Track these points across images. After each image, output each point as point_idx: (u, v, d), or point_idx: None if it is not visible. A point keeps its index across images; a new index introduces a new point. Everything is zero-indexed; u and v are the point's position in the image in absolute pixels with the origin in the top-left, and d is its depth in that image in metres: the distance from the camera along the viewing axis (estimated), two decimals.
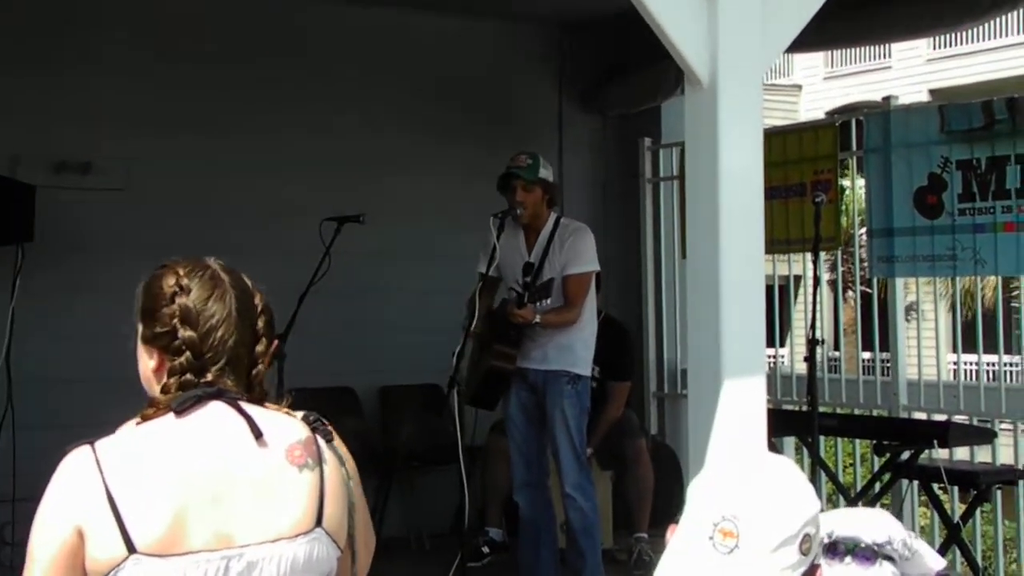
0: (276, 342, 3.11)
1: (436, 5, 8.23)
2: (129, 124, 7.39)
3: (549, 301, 6.14)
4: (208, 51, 7.66)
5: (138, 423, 2.23)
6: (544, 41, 8.95)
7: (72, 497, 2.14)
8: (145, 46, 7.50)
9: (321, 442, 2.28)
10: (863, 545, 2.33)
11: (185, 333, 2.26)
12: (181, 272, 2.31)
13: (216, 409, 2.24)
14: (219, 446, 2.20)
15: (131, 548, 2.09)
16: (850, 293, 15.69)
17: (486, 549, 7.36)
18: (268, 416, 2.27)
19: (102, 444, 2.18)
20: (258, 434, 2.20)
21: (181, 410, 2.21)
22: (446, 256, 7.68)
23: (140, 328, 2.32)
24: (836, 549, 2.33)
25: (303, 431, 2.28)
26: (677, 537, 2.06)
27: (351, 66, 8.17)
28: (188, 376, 2.25)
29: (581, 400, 6.25)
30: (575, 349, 6.26)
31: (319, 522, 2.21)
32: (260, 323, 2.35)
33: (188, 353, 2.25)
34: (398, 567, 6.41)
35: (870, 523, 2.38)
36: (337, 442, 2.32)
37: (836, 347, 13.93)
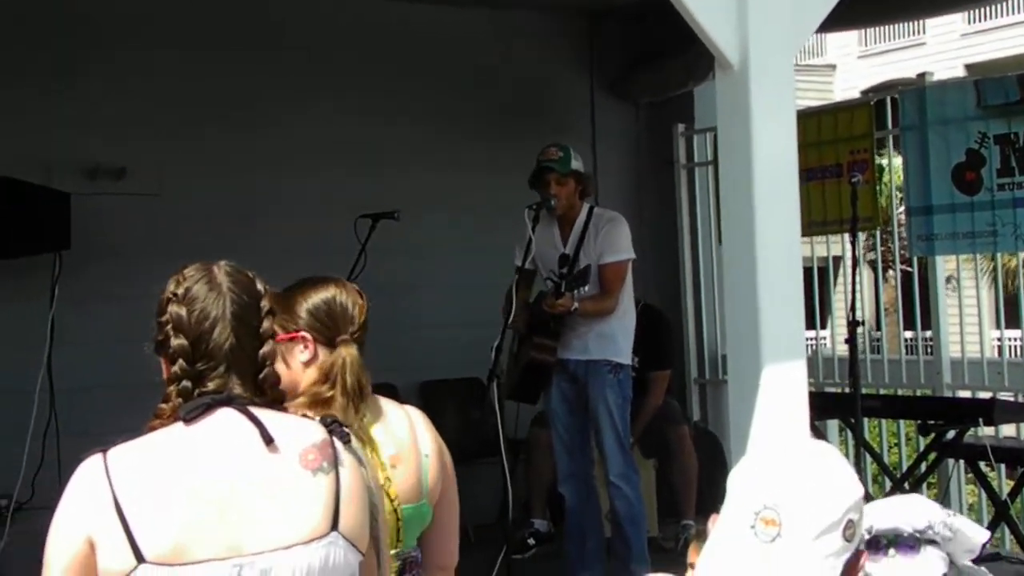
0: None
1: None
2: (162, 128, 7.40)
3: (587, 288, 6.12)
4: (238, 52, 7.66)
5: (148, 431, 2.23)
6: (573, 30, 8.91)
7: (82, 507, 2.14)
8: (176, 49, 7.51)
9: (338, 444, 2.25)
10: (905, 535, 2.29)
11: (176, 341, 2.25)
12: (181, 279, 2.31)
13: (225, 416, 2.21)
14: (228, 453, 2.18)
15: (140, 558, 2.08)
16: (890, 272, 15.58)
17: (531, 541, 7.36)
18: (281, 420, 2.25)
19: (113, 453, 2.17)
20: (268, 440, 2.18)
21: (190, 418, 2.19)
22: (481, 249, 7.68)
23: (155, 336, 2.33)
24: (878, 544, 2.29)
25: (319, 434, 2.24)
26: (719, 527, 2.05)
27: (383, 62, 8.15)
28: (185, 383, 2.23)
29: (623, 389, 6.24)
30: (616, 338, 6.25)
31: (335, 526, 2.17)
32: (265, 324, 2.32)
33: (181, 361, 2.24)
34: None
35: (907, 511, 2.34)
36: (356, 445, 2.30)
37: (878, 327, 13.85)
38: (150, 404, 2.31)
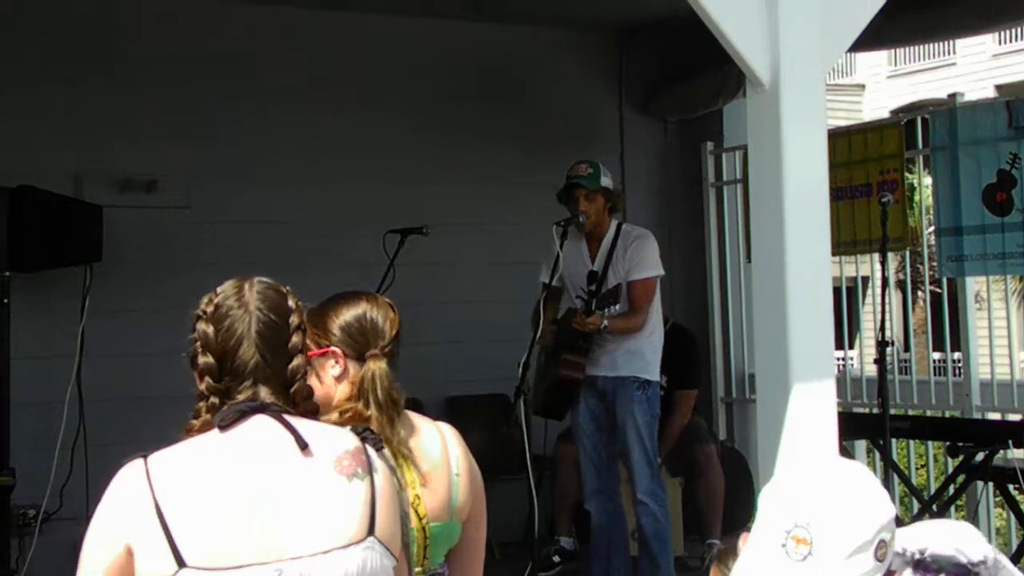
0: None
1: (495, 15, 8.23)
2: (192, 140, 7.44)
3: (617, 307, 6.11)
4: (266, 65, 7.69)
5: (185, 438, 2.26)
6: (603, 47, 8.92)
7: (123, 513, 2.17)
8: (207, 63, 7.55)
9: (371, 451, 2.28)
10: (958, 563, 2.24)
11: (203, 359, 2.29)
12: (213, 297, 2.35)
13: (260, 423, 2.24)
14: (265, 459, 2.20)
15: (181, 563, 2.10)
16: (920, 293, 15.52)
17: (556, 558, 7.34)
18: (314, 427, 2.28)
19: (155, 458, 2.20)
20: (303, 445, 2.20)
21: (225, 425, 2.22)
22: (509, 265, 7.69)
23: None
24: (927, 566, 2.25)
25: (352, 441, 2.27)
26: (750, 545, 2.04)
27: (412, 77, 8.18)
28: (213, 400, 2.27)
29: (652, 406, 6.23)
30: (644, 355, 6.25)
31: (371, 531, 2.20)
32: (295, 339, 2.34)
33: (208, 378, 2.28)
34: None
35: (968, 541, 2.28)
36: (388, 453, 2.32)
37: (907, 348, 13.77)
38: (179, 416, 2.33)
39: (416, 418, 3.00)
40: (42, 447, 6.49)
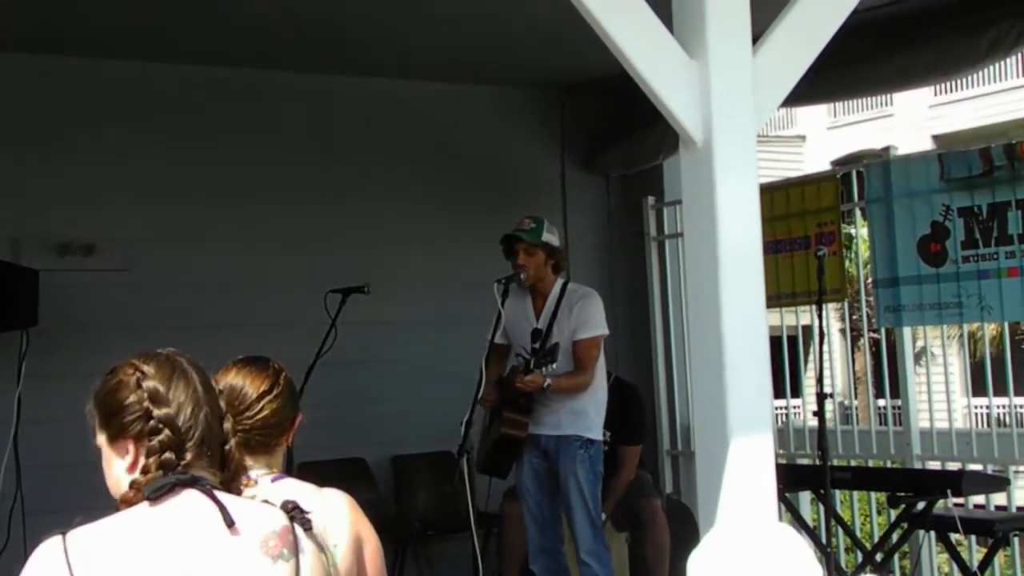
0: (300, 416, 3.11)
1: (435, 73, 8.27)
2: (131, 204, 7.42)
3: (556, 366, 6.13)
4: (205, 128, 7.69)
5: (119, 507, 2.22)
6: (544, 104, 8.98)
7: None
8: (145, 126, 7.54)
9: (299, 531, 2.25)
10: None
11: (160, 411, 2.25)
12: (136, 362, 2.33)
13: (190, 497, 2.21)
14: (190, 537, 2.17)
15: None
16: (862, 342, 15.65)
17: None
18: (243, 505, 2.25)
19: (73, 535, 2.16)
20: (230, 523, 2.17)
21: (154, 498, 2.19)
22: (453, 324, 7.70)
23: (105, 435, 2.31)
24: None
25: (280, 520, 2.25)
26: None
27: (351, 136, 8.20)
28: (168, 455, 2.23)
29: (594, 465, 6.23)
30: (588, 414, 6.26)
31: None
32: (226, 425, 2.34)
33: (167, 430, 2.24)
34: None
35: None
36: (320, 531, 2.29)
37: (851, 396, 13.87)
38: None
39: (295, 488, 2.93)
40: None
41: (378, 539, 3.01)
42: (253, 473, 2.92)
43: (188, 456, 2.25)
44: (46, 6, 6.44)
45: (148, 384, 2.28)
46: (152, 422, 2.25)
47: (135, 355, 2.36)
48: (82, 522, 2.19)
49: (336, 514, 2.90)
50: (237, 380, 2.98)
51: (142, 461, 2.25)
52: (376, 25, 7.13)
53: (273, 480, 2.98)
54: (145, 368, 2.30)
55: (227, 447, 2.32)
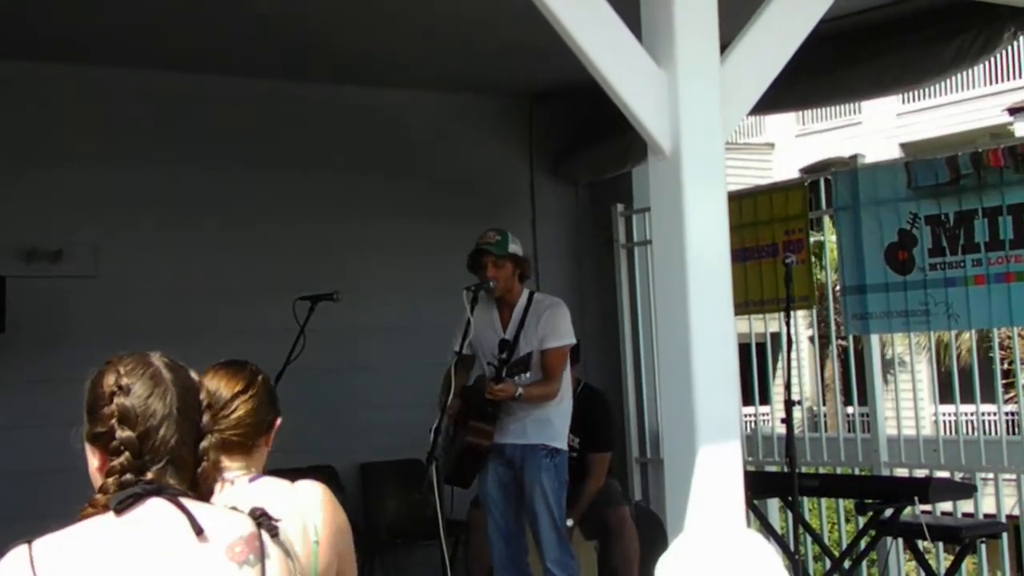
0: (279, 419, 3.10)
1: (404, 82, 8.27)
2: (99, 210, 7.38)
3: (528, 375, 6.15)
4: (174, 134, 7.66)
5: (80, 520, 2.20)
6: (514, 112, 8.99)
7: None
8: (113, 132, 7.51)
9: (266, 537, 2.24)
10: None
11: (123, 434, 2.22)
12: (122, 371, 2.28)
13: (156, 506, 2.20)
14: (156, 545, 2.16)
15: None
16: (831, 349, 15.69)
17: None
18: (210, 512, 2.24)
19: (40, 543, 2.14)
20: (199, 530, 2.17)
21: (120, 508, 2.18)
22: (421, 331, 7.69)
23: (86, 425, 2.30)
24: None
25: (247, 526, 2.24)
26: None
27: (320, 144, 8.19)
28: (127, 476, 2.21)
29: (560, 474, 6.24)
30: (553, 423, 6.27)
31: None
32: (204, 419, 2.32)
33: (127, 453, 2.22)
34: None
35: None
36: (285, 536, 2.29)
37: (820, 402, 13.91)
38: (85, 489, 2.28)
39: (271, 486, 2.93)
40: None
41: (351, 530, 3.02)
42: (230, 474, 2.93)
43: (149, 475, 2.22)
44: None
45: (120, 401, 2.24)
46: (115, 442, 2.23)
47: (127, 355, 2.32)
48: (49, 531, 2.17)
49: (313, 506, 2.92)
50: (213, 382, 2.99)
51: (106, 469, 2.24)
52: (346, 34, 7.12)
53: (251, 480, 2.98)
54: (125, 381, 2.26)
55: (200, 469, 2.29)
